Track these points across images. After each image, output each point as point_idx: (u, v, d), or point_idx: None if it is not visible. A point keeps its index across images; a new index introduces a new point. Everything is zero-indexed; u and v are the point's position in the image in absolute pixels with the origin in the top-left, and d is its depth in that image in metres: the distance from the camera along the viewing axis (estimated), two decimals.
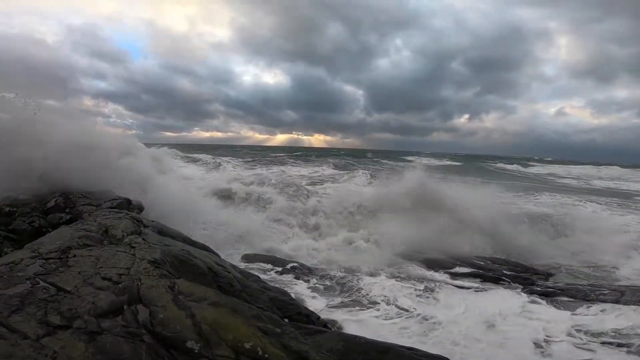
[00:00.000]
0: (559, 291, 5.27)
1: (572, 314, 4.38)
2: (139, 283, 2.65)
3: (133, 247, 3.30)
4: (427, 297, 4.86)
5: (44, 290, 2.37)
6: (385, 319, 4.16)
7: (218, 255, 4.28)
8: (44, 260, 2.85)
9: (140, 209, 5.66)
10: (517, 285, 5.71)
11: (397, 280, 5.34)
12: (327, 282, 5.15)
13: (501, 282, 5.81)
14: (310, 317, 3.53)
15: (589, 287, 5.32)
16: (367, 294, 4.80)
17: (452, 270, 6.10)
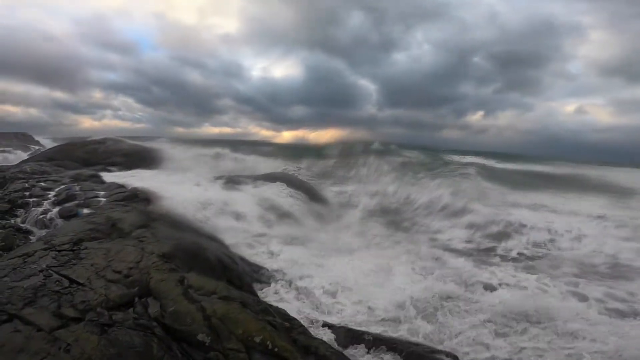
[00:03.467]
0: None
1: None
2: (148, 277, 2.67)
3: (141, 241, 3.33)
4: None
5: (57, 283, 2.40)
6: None
7: (227, 247, 4.30)
8: (56, 252, 2.90)
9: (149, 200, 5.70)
10: None
11: None
12: None
13: None
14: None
15: None
16: None
17: None
